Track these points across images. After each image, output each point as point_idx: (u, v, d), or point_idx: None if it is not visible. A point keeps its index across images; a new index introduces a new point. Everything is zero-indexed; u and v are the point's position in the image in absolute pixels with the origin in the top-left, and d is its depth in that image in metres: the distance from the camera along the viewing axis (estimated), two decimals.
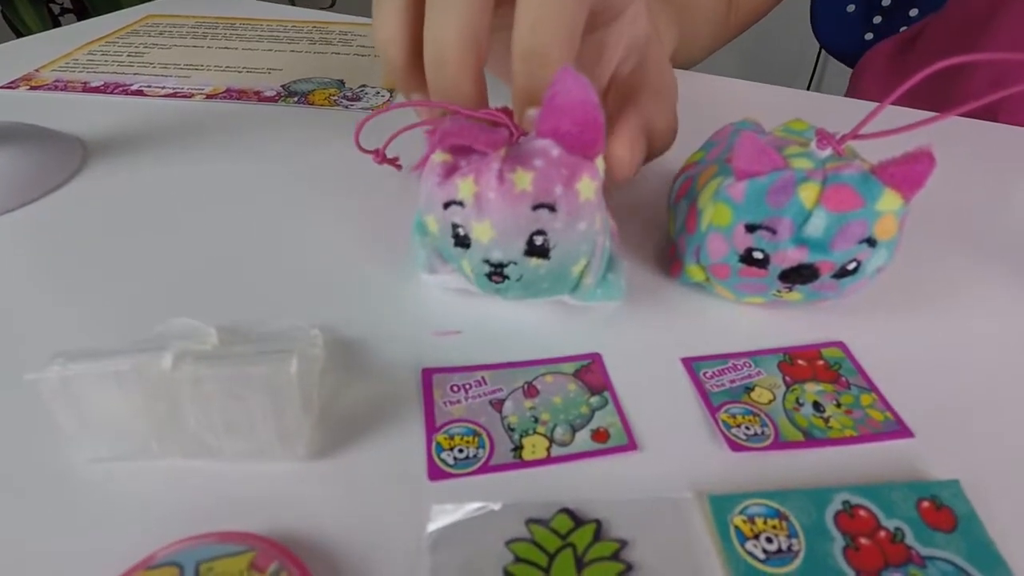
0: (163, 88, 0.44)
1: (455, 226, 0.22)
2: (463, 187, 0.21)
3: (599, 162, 0.21)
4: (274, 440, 0.19)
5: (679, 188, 0.27)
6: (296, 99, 0.43)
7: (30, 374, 0.18)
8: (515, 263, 0.21)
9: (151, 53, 0.50)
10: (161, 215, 0.31)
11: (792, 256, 0.22)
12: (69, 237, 0.30)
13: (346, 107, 0.42)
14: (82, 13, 1.21)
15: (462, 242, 0.22)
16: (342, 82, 0.45)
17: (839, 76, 1.12)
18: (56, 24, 1.17)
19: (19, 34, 1.05)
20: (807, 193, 0.21)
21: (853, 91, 0.69)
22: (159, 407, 0.19)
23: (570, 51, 0.21)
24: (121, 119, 0.40)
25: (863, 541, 0.18)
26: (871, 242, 0.21)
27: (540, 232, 0.21)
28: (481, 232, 0.21)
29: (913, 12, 0.78)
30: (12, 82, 0.45)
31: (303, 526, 0.18)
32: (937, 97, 0.39)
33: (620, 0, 0.26)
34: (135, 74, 0.46)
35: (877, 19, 0.80)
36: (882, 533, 0.18)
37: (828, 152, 0.22)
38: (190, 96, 0.43)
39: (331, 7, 1.60)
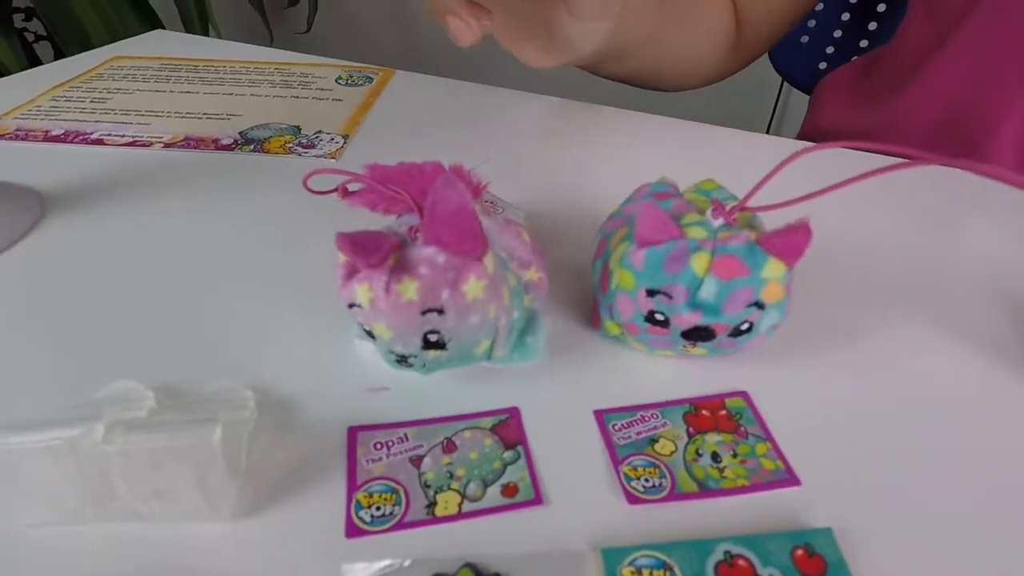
0: (123, 136, 0.45)
1: (359, 323, 0.23)
2: (360, 292, 0.22)
3: (487, 259, 0.23)
4: (200, 503, 0.20)
5: (597, 246, 0.29)
6: (252, 147, 0.44)
7: None
8: (415, 356, 0.23)
9: (114, 99, 0.51)
10: (113, 272, 0.33)
11: (688, 319, 0.23)
12: (18, 296, 0.31)
13: (300, 154, 0.44)
14: (57, 41, 1.22)
15: (368, 334, 0.23)
16: (298, 128, 0.47)
17: (802, 105, 1.16)
18: (31, 52, 1.18)
19: None
20: (699, 262, 0.23)
21: (811, 116, 0.72)
22: (91, 477, 0.20)
23: None
24: (80, 170, 0.41)
25: None
26: (759, 305, 0.23)
27: (433, 331, 0.22)
28: (381, 331, 0.23)
29: (863, 43, 0.81)
30: None
31: None
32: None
33: None
34: (96, 121, 0.47)
35: (830, 49, 0.84)
36: None
37: (720, 222, 0.24)
38: (149, 145, 0.44)
39: (307, 31, 1.62)
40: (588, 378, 0.27)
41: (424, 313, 0.22)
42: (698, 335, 0.24)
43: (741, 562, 0.20)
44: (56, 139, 0.45)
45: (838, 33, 0.83)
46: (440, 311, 0.22)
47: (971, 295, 0.32)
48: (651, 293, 0.24)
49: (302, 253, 0.34)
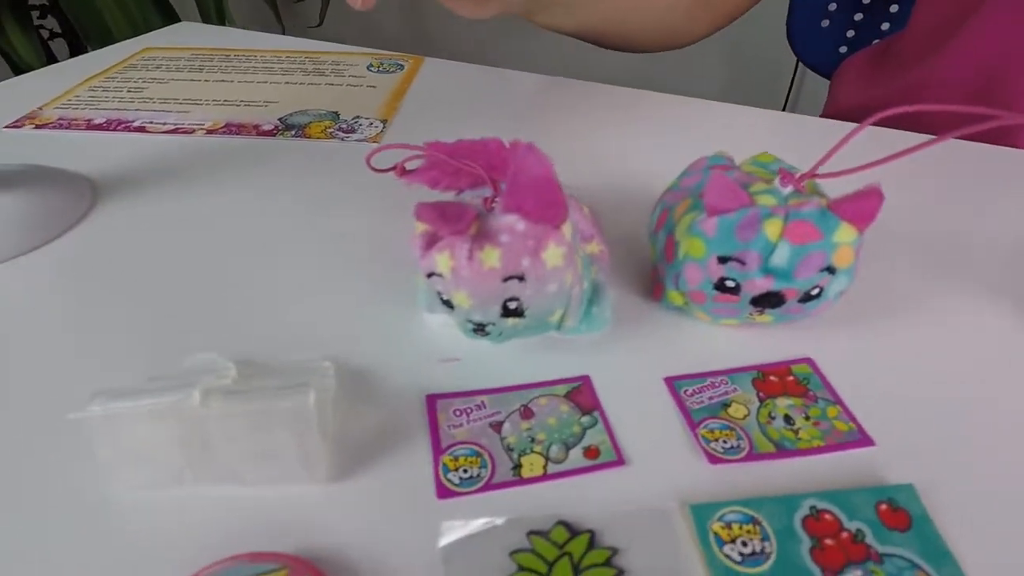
0: (164, 124, 0.46)
1: (439, 292, 0.24)
2: (440, 261, 0.23)
3: (565, 227, 0.23)
4: (296, 466, 0.21)
5: (657, 219, 0.29)
6: (293, 132, 0.45)
7: (74, 413, 0.20)
8: (493, 323, 0.24)
9: (150, 88, 0.52)
10: (172, 253, 0.33)
11: (760, 284, 0.24)
12: (85, 277, 0.31)
13: (342, 139, 0.44)
14: (72, 38, 1.22)
15: (447, 304, 0.24)
16: (337, 114, 0.47)
17: (817, 85, 1.16)
18: (47, 49, 1.18)
19: (8, 58, 1.06)
20: (772, 228, 0.23)
21: (831, 101, 0.72)
22: (192, 440, 0.20)
23: None
24: (126, 156, 0.42)
25: (828, 542, 0.20)
26: (831, 270, 0.24)
27: (513, 299, 0.23)
28: (461, 299, 0.23)
29: (885, 26, 0.81)
30: (17, 121, 0.47)
31: (326, 544, 0.20)
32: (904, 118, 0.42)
33: None
34: (136, 110, 0.48)
35: (851, 33, 0.84)
36: (844, 534, 0.20)
37: (790, 189, 0.24)
38: (191, 132, 0.45)
39: (319, 26, 1.62)
40: (653, 347, 0.27)
41: (505, 280, 0.22)
42: (768, 301, 0.25)
43: (827, 516, 0.20)
44: (98, 127, 0.46)
45: (859, 16, 0.83)
46: (521, 278, 0.22)
47: None
48: (723, 260, 0.24)
49: (358, 232, 0.34)
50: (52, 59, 1.16)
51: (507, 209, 0.22)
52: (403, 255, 0.29)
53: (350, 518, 0.21)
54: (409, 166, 0.29)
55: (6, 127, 0.46)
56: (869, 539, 0.20)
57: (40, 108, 0.49)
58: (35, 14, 1.14)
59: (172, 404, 0.20)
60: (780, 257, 0.23)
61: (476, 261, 0.22)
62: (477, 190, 0.28)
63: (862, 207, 0.23)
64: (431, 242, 0.23)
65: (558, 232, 0.22)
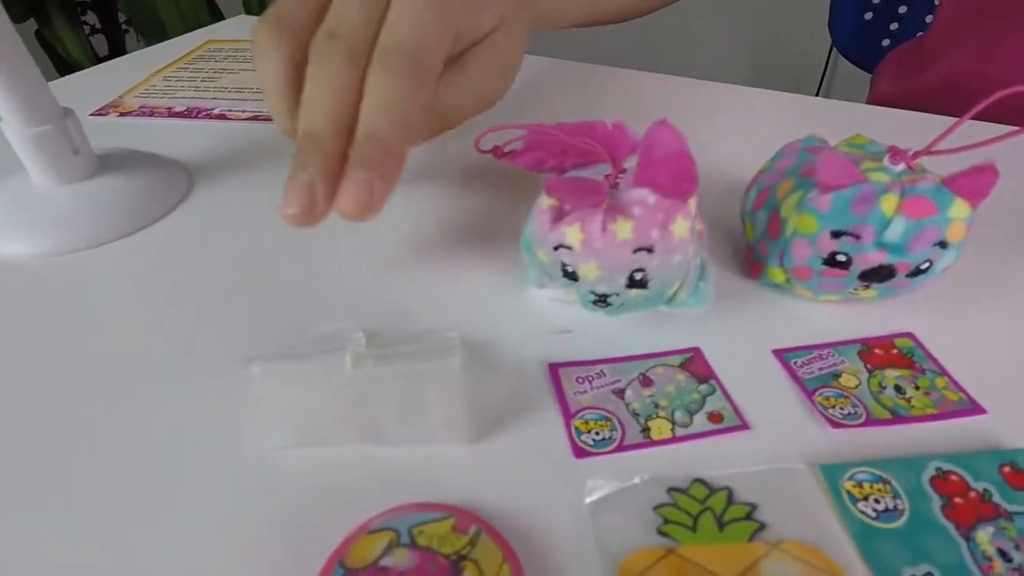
0: (243, 112, 0.47)
1: (564, 264, 0.25)
2: (570, 234, 0.24)
3: (692, 201, 0.24)
4: (440, 427, 0.22)
5: (756, 199, 0.30)
6: None
7: (245, 369, 0.21)
8: (617, 294, 0.25)
9: (223, 78, 0.53)
10: (274, 233, 0.34)
11: (874, 258, 0.25)
12: (190, 256, 0.33)
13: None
14: (111, 34, 1.25)
15: (570, 276, 0.25)
16: None
17: (849, 78, 1.16)
18: (89, 44, 1.21)
19: (55, 54, 1.08)
20: (888, 203, 0.24)
21: (873, 93, 0.73)
22: (343, 401, 0.22)
23: (407, 136, 0.25)
24: (214, 142, 0.43)
25: (957, 500, 0.21)
26: (943, 244, 0.24)
27: (639, 270, 0.24)
28: (588, 271, 0.24)
29: (928, 19, 0.81)
30: (101, 109, 0.48)
31: (476, 501, 0.21)
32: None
33: (473, 30, 0.28)
34: (213, 98, 0.49)
35: (894, 26, 0.84)
36: (972, 494, 0.21)
37: (902, 167, 0.25)
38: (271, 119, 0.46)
39: None
40: (757, 321, 0.28)
41: (635, 251, 0.23)
42: (877, 275, 0.25)
43: (953, 477, 0.21)
44: (180, 115, 0.47)
45: (903, 9, 0.83)
46: (650, 250, 0.23)
47: None
48: (836, 235, 0.25)
49: (455, 212, 0.35)
50: (95, 55, 1.18)
51: (639, 183, 0.23)
52: (503, 232, 0.30)
53: (495, 477, 0.22)
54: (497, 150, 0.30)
55: (91, 115, 0.47)
56: (996, 498, 0.21)
57: (121, 97, 0.50)
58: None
59: (326, 367, 0.21)
60: (895, 232, 0.24)
61: (609, 233, 0.23)
62: (582, 170, 0.29)
63: (977, 183, 0.24)
64: (558, 216, 0.24)
65: (686, 206, 0.23)
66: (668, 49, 1.77)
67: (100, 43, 1.31)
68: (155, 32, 0.98)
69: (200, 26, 0.71)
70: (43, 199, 0.34)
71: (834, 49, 0.94)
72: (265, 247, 0.33)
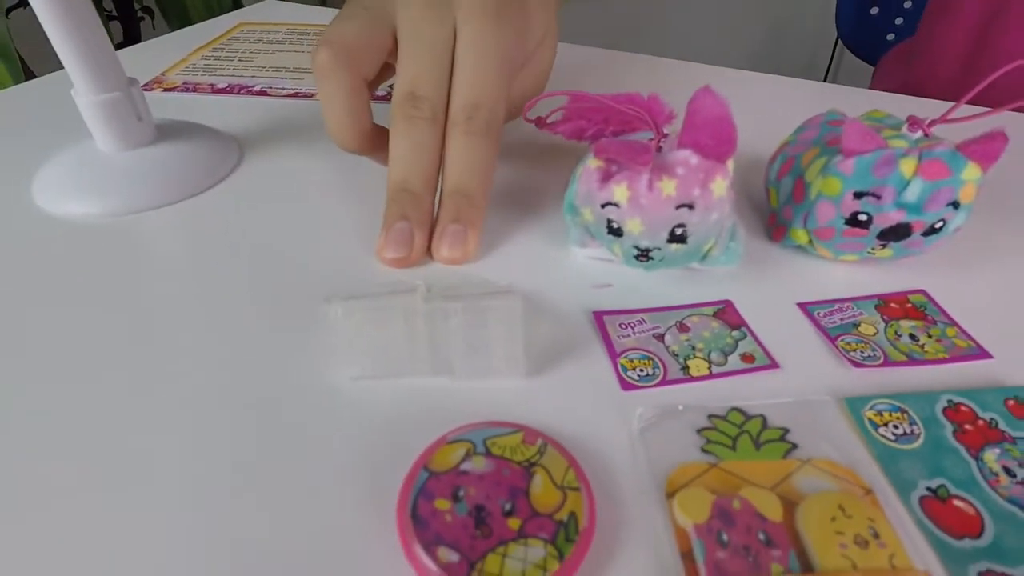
0: (283, 89, 0.49)
1: (610, 220, 0.27)
2: (618, 192, 0.26)
3: (730, 163, 0.26)
4: (501, 361, 0.24)
5: (779, 168, 0.32)
6: None
7: (328, 305, 0.23)
8: (659, 248, 0.27)
9: (259, 58, 0.55)
10: (325, 201, 0.37)
11: (893, 217, 0.27)
12: (245, 219, 0.35)
13: None
14: (128, 22, 1.26)
15: (615, 232, 0.27)
16: None
17: (855, 71, 1.18)
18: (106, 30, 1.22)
19: None
20: (907, 166, 0.26)
21: (874, 86, 0.75)
22: (417, 333, 0.24)
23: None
24: (258, 116, 0.45)
25: (967, 427, 0.23)
26: (956, 205, 0.27)
27: (680, 225, 0.26)
28: (633, 226, 0.26)
29: None
30: (145, 84, 0.50)
31: (536, 423, 0.23)
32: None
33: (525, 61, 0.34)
34: (252, 76, 0.51)
35: (899, 20, 0.86)
36: (980, 422, 0.23)
37: (919, 134, 0.28)
38: (311, 96, 0.48)
39: None
40: (782, 279, 0.31)
41: (678, 208, 0.26)
42: (895, 234, 0.28)
43: (963, 408, 0.24)
44: (222, 91, 0.49)
45: (908, 4, 0.85)
46: (691, 206, 0.26)
47: None
48: (858, 195, 0.27)
49: (497, 183, 0.38)
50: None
51: (683, 144, 0.25)
52: (542, 202, 0.32)
53: (552, 406, 0.24)
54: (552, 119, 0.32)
55: None
56: (1002, 426, 0.23)
57: (163, 74, 0.52)
58: None
59: (400, 303, 0.24)
60: (912, 192, 0.27)
61: (656, 190, 0.25)
62: (622, 136, 0.31)
63: (988, 148, 0.26)
64: (606, 176, 0.27)
65: (725, 167, 0.26)
66: (674, 39, 1.79)
67: (115, 30, 1.32)
68: (179, 17, 1.00)
69: (223, 12, 0.73)
70: (108, 163, 0.36)
71: (839, 42, 0.96)
72: (317, 212, 0.35)
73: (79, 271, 0.31)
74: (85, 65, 0.34)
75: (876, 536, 0.19)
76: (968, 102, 0.27)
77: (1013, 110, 0.27)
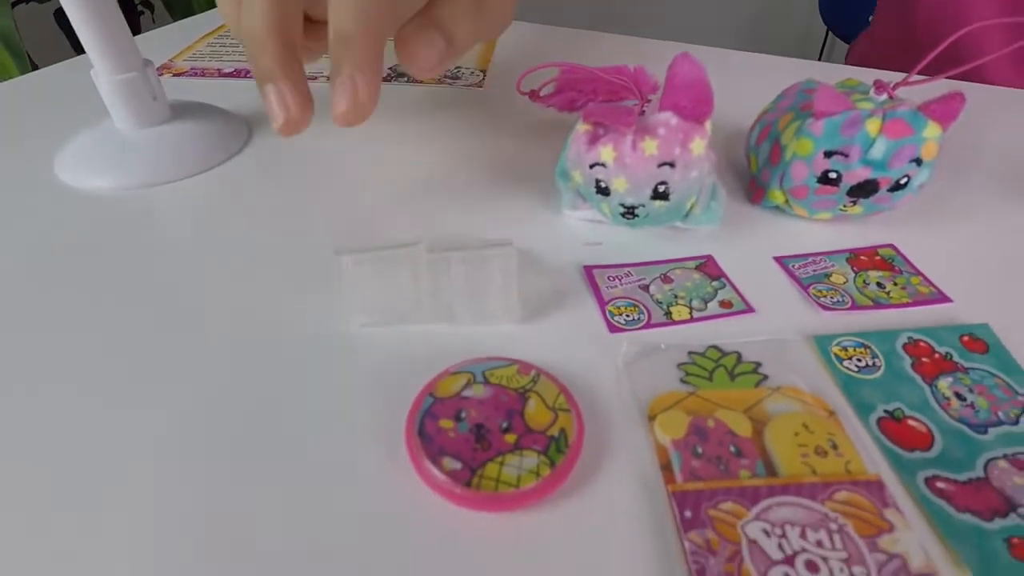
0: None
1: (598, 180, 0.29)
2: (604, 153, 0.28)
3: (708, 124, 0.29)
4: (499, 307, 0.27)
5: (758, 134, 0.35)
6: (406, 79, 0.50)
7: (338, 256, 0.25)
8: (643, 205, 0.29)
9: None
10: (330, 173, 0.39)
11: (860, 174, 0.29)
12: (255, 192, 0.37)
13: (450, 84, 0.49)
14: (129, 16, 1.28)
15: (603, 191, 0.29)
16: None
17: (843, 55, 1.20)
18: None
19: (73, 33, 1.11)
20: (872, 125, 0.29)
21: (849, 62, 0.77)
22: (420, 282, 0.26)
23: (372, 25, 0.23)
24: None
25: (924, 360, 0.25)
26: (919, 161, 0.29)
27: (662, 183, 0.28)
28: (619, 184, 0.28)
29: None
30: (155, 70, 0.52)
31: (530, 360, 0.25)
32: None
33: None
34: None
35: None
36: (936, 355, 0.25)
37: (884, 97, 0.30)
38: (314, 79, 0.50)
39: None
40: (760, 236, 0.33)
41: (660, 166, 0.28)
42: (863, 190, 0.30)
43: (922, 344, 0.26)
44: (229, 75, 0.51)
45: None
46: (672, 164, 0.28)
47: None
48: (828, 154, 0.29)
49: (493, 152, 0.40)
50: None
51: (664, 107, 0.27)
52: (535, 170, 0.34)
53: (545, 345, 0.26)
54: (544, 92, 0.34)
55: None
56: (956, 358, 0.25)
57: (171, 60, 0.54)
58: None
59: (404, 253, 0.26)
60: (878, 150, 0.29)
61: (639, 150, 0.27)
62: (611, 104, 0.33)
63: (947, 108, 0.28)
64: (594, 139, 0.29)
65: (703, 127, 0.28)
66: (665, 21, 1.81)
67: None
68: (183, 12, 1.01)
69: None
70: (126, 140, 0.38)
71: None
72: (325, 182, 0.38)
73: (101, 240, 0.33)
74: (105, 46, 0.36)
75: (835, 447, 0.21)
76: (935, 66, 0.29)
77: (956, 76, 0.29)
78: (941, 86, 0.30)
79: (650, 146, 0.27)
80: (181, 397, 0.24)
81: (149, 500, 0.21)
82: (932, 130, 0.28)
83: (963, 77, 0.31)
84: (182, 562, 0.19)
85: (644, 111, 0.29)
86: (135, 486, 0.21)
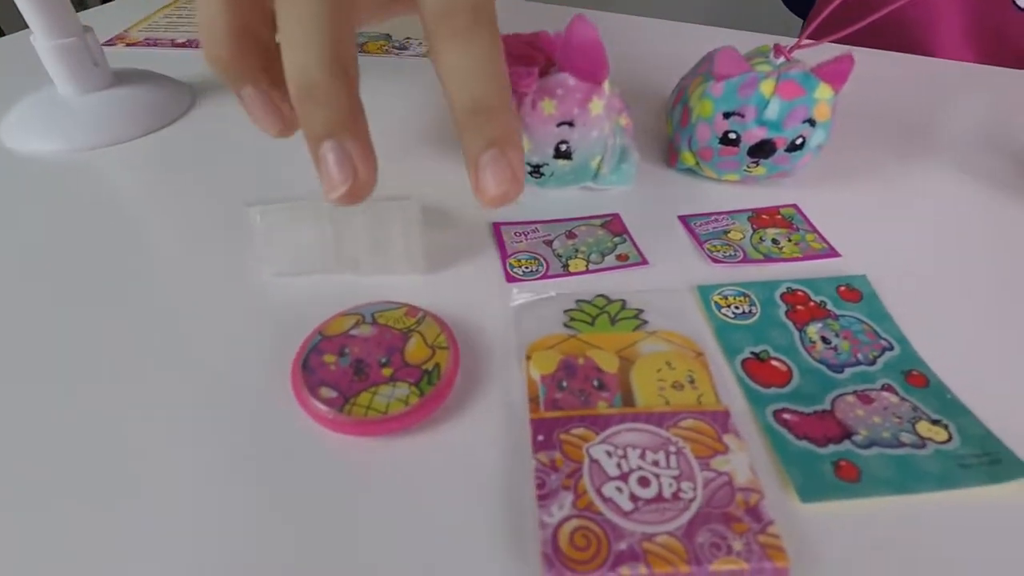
0: None
1: None
2: None
3: (606, 84, 0.30)
4: (402, 258, 0.28)
5: (674, 98, 0.36)
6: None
7: (248, 208, 0.27)
8: (547, 164, 0.30)
9: None
10: (274, 142, 0.40)
11: (756, 134, 0.30)
12: (193, 155, 0.38)
13: (398, 55, 0.50)
14: None
15: None
16: (388, 35, 0.54)
17: None
18: None
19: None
20: (766, 86, 0.30)
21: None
22: (326, 234, 0.27)
23: (509, 93, 0.20)
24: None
25: (799, 307, 0.27)
26: (812, 122, 0.30)
27: (563, 142, 0.29)
28: (523, 144, 0.30)
29: None
30: (109, 40, 0.53)
31: (426, 306, 0.27)
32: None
33: None
34: None
35: None
36: (812, 303, 0.27)
37: (781, 60, 0.31)
38: None
39: None
40: (670, 197, 0.34)
41: (559, 125, 0.29)
42: (761, 151, 0.31)
43: (799, 293, 0.27)
44: (182, 45, 0.52)
45: None
46: (571, 124, 0.29)
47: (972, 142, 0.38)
48: (727, 115, 0.31)
49: (414, 117, 0.41)
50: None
51: (562, 68, 0.29)
52: (446, 134, 0.36)
53: (443, 294, 0.28)
54: None
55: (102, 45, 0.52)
56: (830, 306, 0.27)
57: (126, 31, 0.55)
58: None
59: (310, 204, 0.27)
60: (772, 110, 0.30)
61: (538, 109, 0.28)
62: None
63: (837, 69, 0.29)
64: None
65: (600, 88, 0.29)
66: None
67: None
68: None
69: None
70: (68, 105, 0.40)
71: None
72: (264, 147, 0.39)
73: (44, 200, 0.34)
74: (41, 11, 0.37)
75: (692, 382, 0.23)
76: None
77: (845, 38, 0.30)
78: (837, 49, 0.31)
79: (548, 106, 0.29)
80: (111, 336, 0.26)
81: (55, 417, 0.22)
82: (824, 91, 0.30)
83: (910, 51, 0.32)
84: (67, 477, 0.21)
85: (549, 72, 0.30)
86: (47, 404, 0.23)
